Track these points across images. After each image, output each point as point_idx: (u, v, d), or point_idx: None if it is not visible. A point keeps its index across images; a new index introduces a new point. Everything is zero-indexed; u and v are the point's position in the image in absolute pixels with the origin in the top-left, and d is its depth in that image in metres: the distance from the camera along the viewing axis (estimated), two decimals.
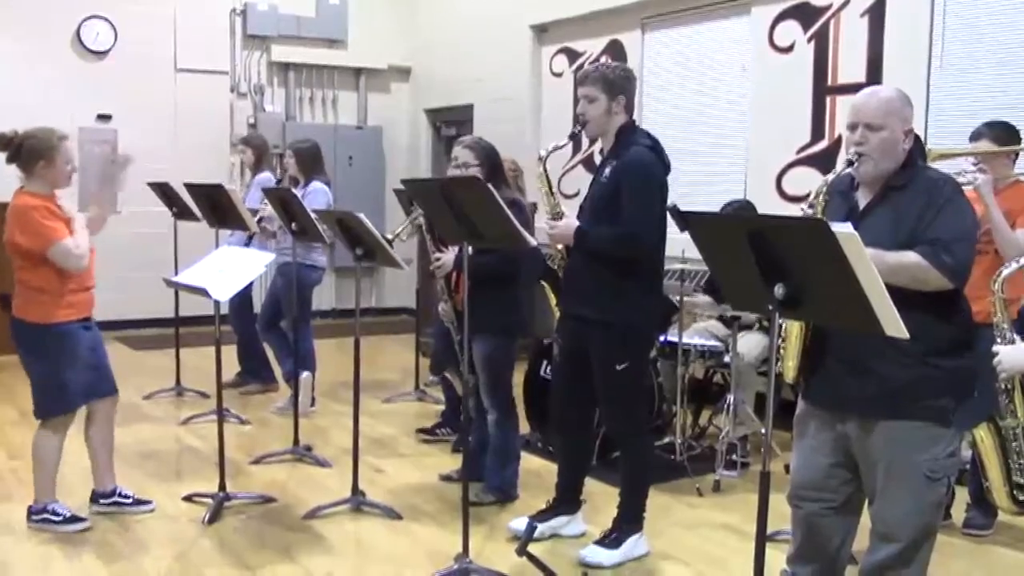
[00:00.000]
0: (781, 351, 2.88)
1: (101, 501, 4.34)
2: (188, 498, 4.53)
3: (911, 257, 2.63)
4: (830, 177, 2.86)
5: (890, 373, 2.70)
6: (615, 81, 3.77)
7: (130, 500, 4.37)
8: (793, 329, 2.85)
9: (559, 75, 8.56)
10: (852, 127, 2.81)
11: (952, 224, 2.66)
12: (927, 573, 2.86)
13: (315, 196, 6.00)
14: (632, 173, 3.69)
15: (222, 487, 4.43)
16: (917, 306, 2.55)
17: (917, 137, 2.88)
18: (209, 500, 4.43)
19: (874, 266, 2.21)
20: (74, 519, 4.14)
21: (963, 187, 3.46)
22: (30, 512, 4.16)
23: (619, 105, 3.78)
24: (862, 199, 2.85)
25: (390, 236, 4.28)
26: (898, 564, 2.80)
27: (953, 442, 2.76)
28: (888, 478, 2.75)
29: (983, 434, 3.18)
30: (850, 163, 2.79)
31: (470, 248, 3.71)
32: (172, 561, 3.88)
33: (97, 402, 4.19)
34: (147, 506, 4.39)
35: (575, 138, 3.99)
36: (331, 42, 10.30)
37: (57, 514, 4.13)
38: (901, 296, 2.33)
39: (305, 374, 5.99)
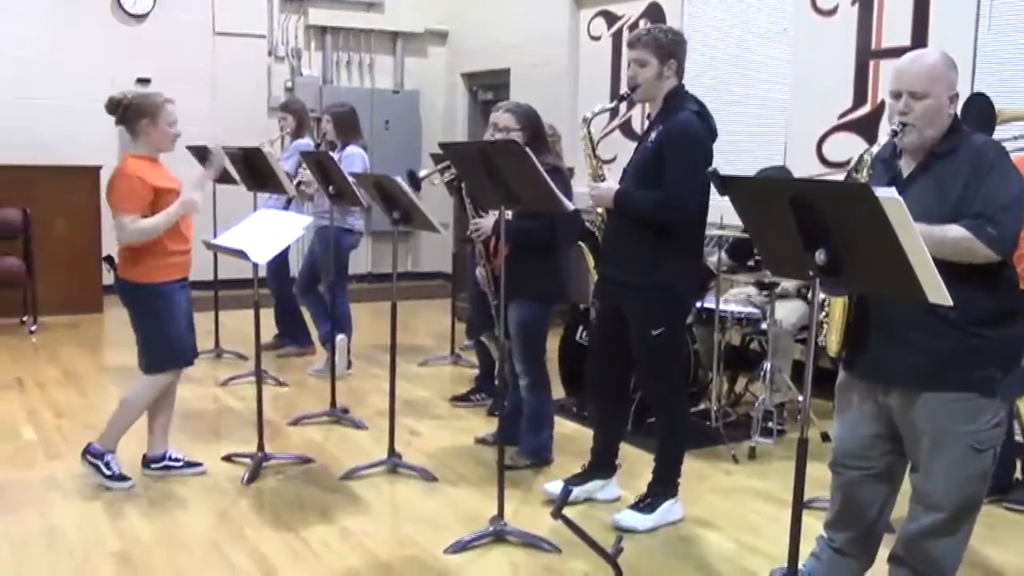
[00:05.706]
0: (824, 325, 2.86)
1: (152, 466, 4.39)
2: (227, 458, 4.59)
3: (956, 232, 2.57)
4: (874, 149, 2.81)
5: (932, 343, 2.66)
6: (666, 45, 3.71)
7: (180, 463, 4.42)
8: (837, 303, 2.83)
9: (597, 39, 8.46)
10: (896, 95, 2.74)
11: (997, 194, 2.60)
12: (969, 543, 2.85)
13: (352, 160, 6.01)
14: (675, 138, 3.64)
15: (260, 448, 4.48)
16: (960, 274, 2.50)
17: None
18: (248, 460, 4.49)
19: (918, 233, 2.17)
20: (121, 477, 4.22)
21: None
22: (87, 451, 4.23)
23: (670, 69, 3.72)
24: (905, 167, 2.80)
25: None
26: (942, 533, 2.79)
27: (998, 412, 2.73)
28: (933, 450, 2.72)
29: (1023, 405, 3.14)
30: (894, 133, 2.73)
31: (507, 213, 3.70)
32: (212, 520, 3.94)
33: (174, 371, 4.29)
34: (198, 468, 4.44)
35: (624, 101, 3.94)
36: (368, 5, 10.25)
37: (110, 468, 4.21)
38: (943, 265, 2.28)
39: (340, 337, 6.03)
